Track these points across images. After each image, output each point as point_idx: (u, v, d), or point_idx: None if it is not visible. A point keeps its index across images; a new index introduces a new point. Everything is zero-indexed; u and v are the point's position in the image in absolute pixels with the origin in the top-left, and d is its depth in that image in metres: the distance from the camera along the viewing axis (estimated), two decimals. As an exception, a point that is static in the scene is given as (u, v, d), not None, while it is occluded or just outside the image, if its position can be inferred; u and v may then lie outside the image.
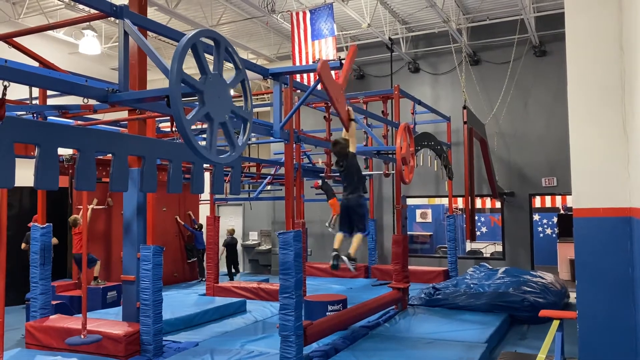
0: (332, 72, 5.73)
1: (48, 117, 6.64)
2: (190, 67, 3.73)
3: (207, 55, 3.57)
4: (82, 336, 6.50)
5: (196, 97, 3.33)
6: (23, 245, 9.76)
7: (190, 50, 3.32)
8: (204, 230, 12.93)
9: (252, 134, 7.13)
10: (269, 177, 11.93)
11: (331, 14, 11.01)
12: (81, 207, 9.63)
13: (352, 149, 6.25)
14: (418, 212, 17.82)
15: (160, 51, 13.99)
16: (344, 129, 6.23)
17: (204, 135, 3.49)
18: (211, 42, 3.48)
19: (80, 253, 9.31)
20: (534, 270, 11.52)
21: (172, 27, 4.86)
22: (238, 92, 4.05)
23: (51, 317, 7.56)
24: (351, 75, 15.09)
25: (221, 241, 13.66)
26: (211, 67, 3.40)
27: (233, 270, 13.79)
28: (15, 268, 9.22)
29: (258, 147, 17.63)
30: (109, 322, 7.25)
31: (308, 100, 8.13)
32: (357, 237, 6.31)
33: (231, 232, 14.21)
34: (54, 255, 7.88)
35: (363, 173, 12.78)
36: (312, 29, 11.18)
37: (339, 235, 6.35)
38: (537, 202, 16.60)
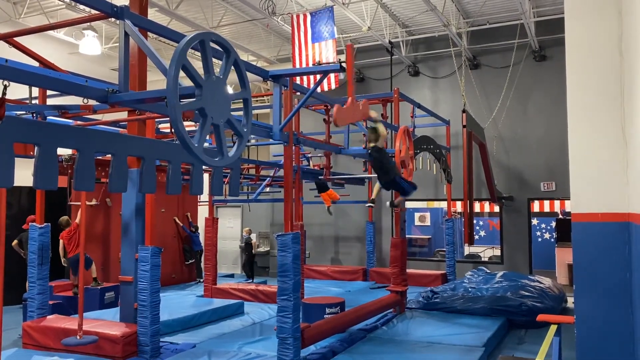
0: (332, 75, 5.75)
1: (48, 117, 6.64)
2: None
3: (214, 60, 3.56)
4: (78, 337, 6.49)
5: (195, 92, 3.31)
6: (14, 243, 9.75)
7: (195, 51, 3.30)
8: (200, 231, 12.93)
9: (252, 136, 7.14)
10: (268, 179, 11.93)
11: (331, 17, 11.02)
12: (75, 203, 9.59)
13: (380, 144, 7.25)
14: (417, 215, 17.83)
15: (161, 52, 14.00)
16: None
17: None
18: (219, 48, 3.47)
19: (74, 255, 9.26)
20: (532, 274, 11.53)
21: (172, 29, 4.87)
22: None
23: (48, 317, 7.54)
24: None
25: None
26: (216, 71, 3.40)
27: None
28: (13, 268, 9.21)
29: (257, 149, 17.63)
30: (106, 323, 7.23)
31: (307, 103, 8.14)
32: (377, 186, 7.71)
33: (247, 232, 14.26)
34: (52, 256, 7.87)
35: (362, 176, 12.94)
36: (313, 32, 11.19)
37: (377, 186, 7.65)
38: (536, 206, 16.62)
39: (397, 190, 7.77)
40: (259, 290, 10.77)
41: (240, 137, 3.66)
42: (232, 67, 3.59)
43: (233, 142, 3.72)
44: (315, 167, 12.29)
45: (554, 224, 15.87)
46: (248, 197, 13.62)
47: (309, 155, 12.57)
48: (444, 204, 15.04)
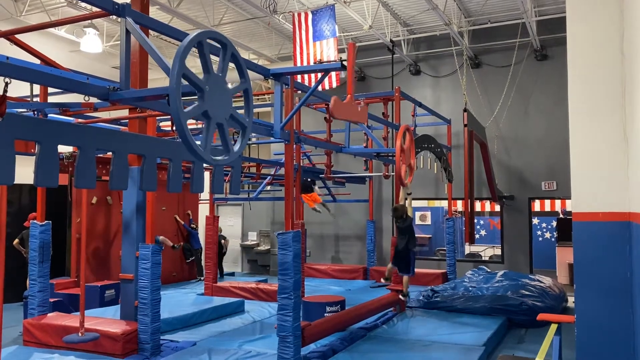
0: (334, 73, 5.76)
1: (49, 115, 6.64)
2: (194, 66, 3.73)
3: (212, 57, 3.57)
4: (80, 334, 6.50)
5: (197, 96, 3.32)
6: (15, 242, 9.76)
7: (194, 49, 3.31)
8: (201, 230, 12.94)
9: (253, 134, 7.14)
10: (269, 177, 11.93)
11: (333, 15, 11.01)
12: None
13: (409, 213, 8.05)
14: (417, 214, 17.81)
15: (162, 50, 13.99)
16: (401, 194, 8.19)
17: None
18: (217, 45, 3.47)
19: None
20: (532, 274, 11.53)
21: (173, 26, 4.87)
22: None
23: (49, 314, 7.56)
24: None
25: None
26: (215, 69, 3.39)
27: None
28: (13, 265, 9.23)
29: (258, 147, 17.62)
30: (107, 321, 7.25)
31: (309, 101, 8.13)
32: (405, 278, 8.26)
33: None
34: (53, 253, 7.87)
35: (362, 174, 12.92)
36: (314, 30, 11.18)
37: (390, 267, 8.23)
38: (537, 205, 16.60)
39: (403, 265, 7.92)
40: (259, 289, 10.78)
41: (244, 128, 3.67)
42: (231, 64, 3.59)
43: (234, 140, 3.73)
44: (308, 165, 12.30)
45: (554, 223, 15.85)
46: (249, 196, 13.63)
47: (310, 153, 12.58)
48: (444, 203, 15.05)
